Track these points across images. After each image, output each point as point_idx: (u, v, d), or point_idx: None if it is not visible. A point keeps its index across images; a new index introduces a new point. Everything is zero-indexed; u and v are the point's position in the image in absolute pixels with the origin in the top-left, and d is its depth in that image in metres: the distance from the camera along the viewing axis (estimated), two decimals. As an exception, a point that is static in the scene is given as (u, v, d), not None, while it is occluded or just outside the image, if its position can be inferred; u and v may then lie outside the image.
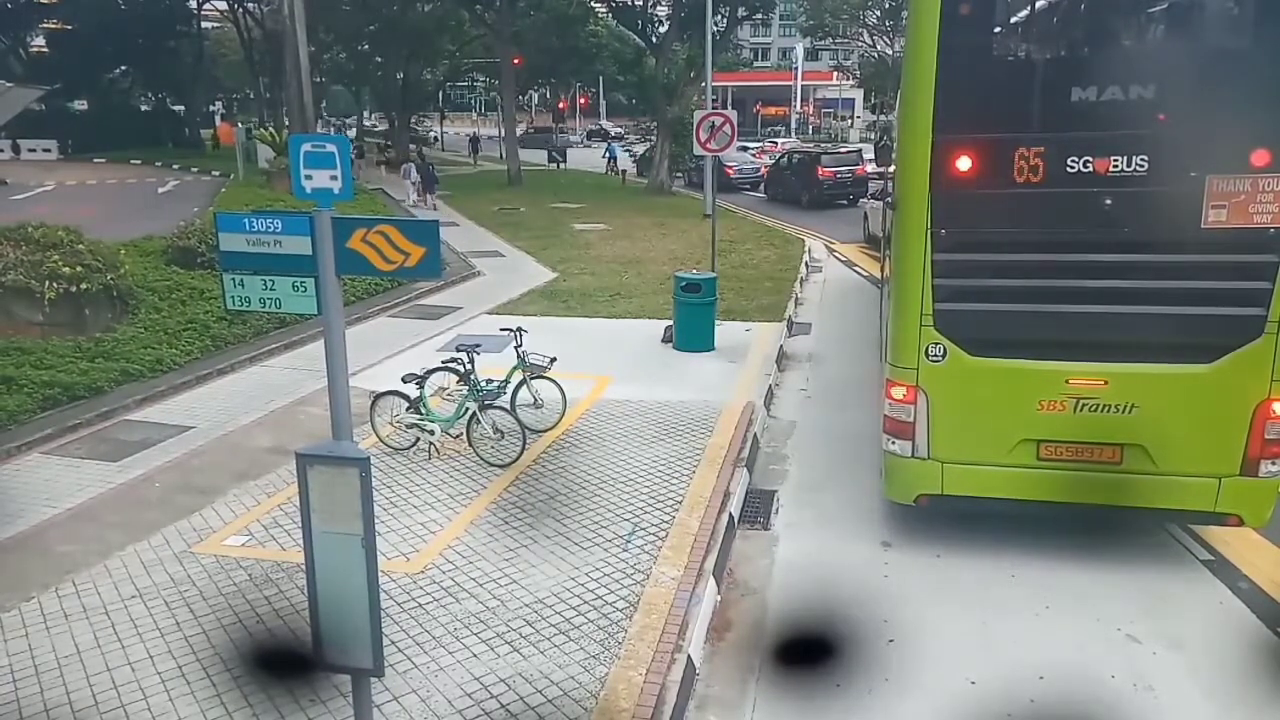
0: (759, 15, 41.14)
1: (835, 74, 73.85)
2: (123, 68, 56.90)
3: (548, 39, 45.03)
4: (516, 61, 50.32)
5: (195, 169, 38.39)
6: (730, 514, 7.40)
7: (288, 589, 6.19)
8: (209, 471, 8.34)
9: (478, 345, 9.17)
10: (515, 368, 9.18)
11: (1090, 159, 5.89)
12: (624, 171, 39.63)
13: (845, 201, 28.97)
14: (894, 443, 6.78)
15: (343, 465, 3.43)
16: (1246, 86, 5.69)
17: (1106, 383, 6.20)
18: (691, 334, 12.37)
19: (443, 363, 9.16)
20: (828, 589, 6.49)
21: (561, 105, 67.93)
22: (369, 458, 3.59)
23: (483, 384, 8.73)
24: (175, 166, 40.17)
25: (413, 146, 45.86)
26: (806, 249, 21.11)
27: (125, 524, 7.21)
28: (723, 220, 26.66)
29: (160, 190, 30.13)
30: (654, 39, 34.93)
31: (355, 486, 3.39)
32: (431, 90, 58.64)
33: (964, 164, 6.11)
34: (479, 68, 58.29)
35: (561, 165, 46.54)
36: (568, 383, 10.10)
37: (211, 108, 77.09)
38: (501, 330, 9.56)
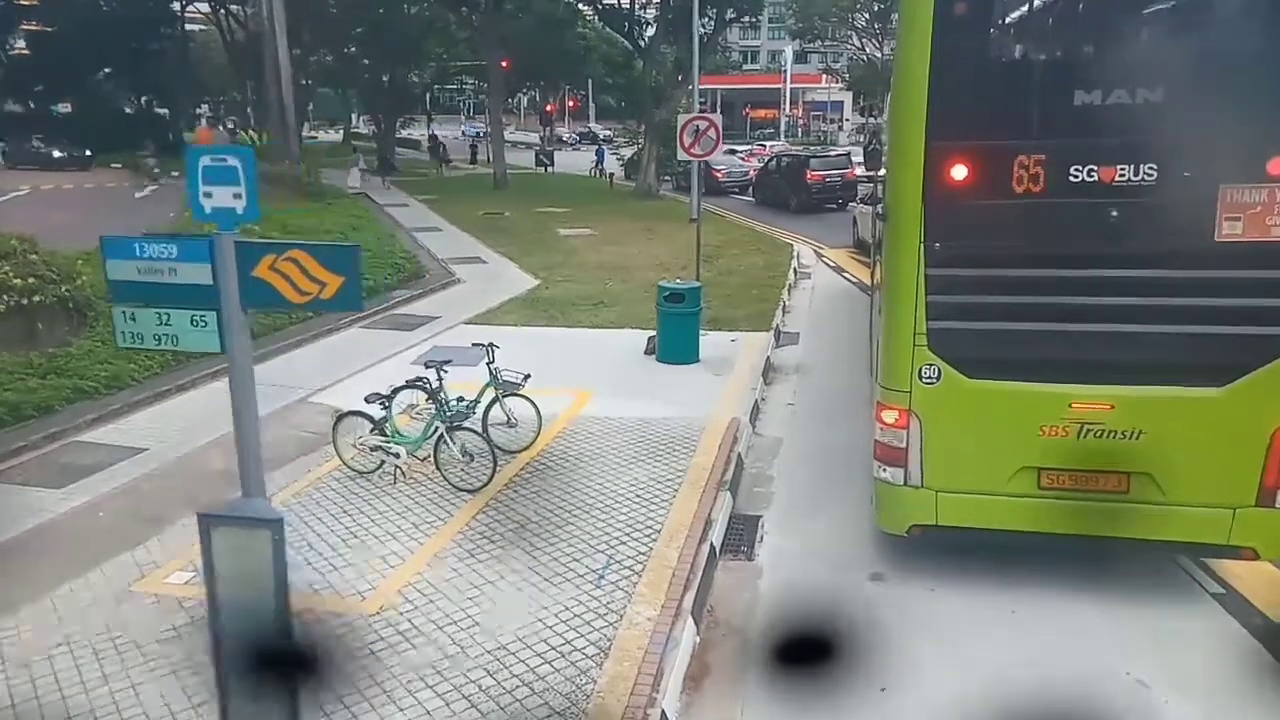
0: (747, 18, 40.77)
1: (824, 77, 73.56)
2: (106, 70, 56.14)
3: (535, 41, 44.50)
4: (505, 64, 49.89)
5: (176, 173, 37.64)
6: (712, 544, 6.95)
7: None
8: (160, 498, 7.84)
9: (447, 361, 8.70)
10: (487, 385, 8.71)
11: (1095, 167, 5.47)
12: (611, 175, 39.18)
13: (834, 205, 28.56)
14: (885, 470, 6.35)
15: (253, 527, 2.96)
16: (1263, 89, 5.29)
17: (1112, 407, 5.78)
18: (675, 345, 11.92)
19: (410, 380, 8.69)
20: (814, 628, 6.03)
21: (549, 108, 67.40)
22: (282, 519, 3.12)
23: (452, 403, 8.26)
24: (157, 170, 39.45)
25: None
26: (795, 254, 20.70)
27: (62, 559, 6.71)
28: (710, 225, 26.30)
29: (138, 195, 29.53)
30: (641, 41, 34.50)
31: (267, 551, 2.92)
32: (418, 93, 58.05)
33: (959, 172, 5.69)
34: (467, 70, 57.76)
35: (549, 168, 46.05)
36: (545, 398, 9.64)
37: (198, 111, 76.29)
38: (474, 345, 9.09)
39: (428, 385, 8.47)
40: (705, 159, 13.21)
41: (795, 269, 19.00)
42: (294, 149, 29.14)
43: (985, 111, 5.66)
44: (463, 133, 70.41)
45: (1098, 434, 5.84)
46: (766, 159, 35.81)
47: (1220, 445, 5.72)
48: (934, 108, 5.62)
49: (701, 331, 12.97)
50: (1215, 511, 5.82)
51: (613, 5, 34.44)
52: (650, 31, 34.46)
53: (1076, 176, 5.51)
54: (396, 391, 8.55)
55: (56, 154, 40.08)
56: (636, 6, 35.07)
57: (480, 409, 8.69)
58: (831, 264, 20.12)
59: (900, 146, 5.88)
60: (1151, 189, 5.43)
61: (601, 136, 68.77)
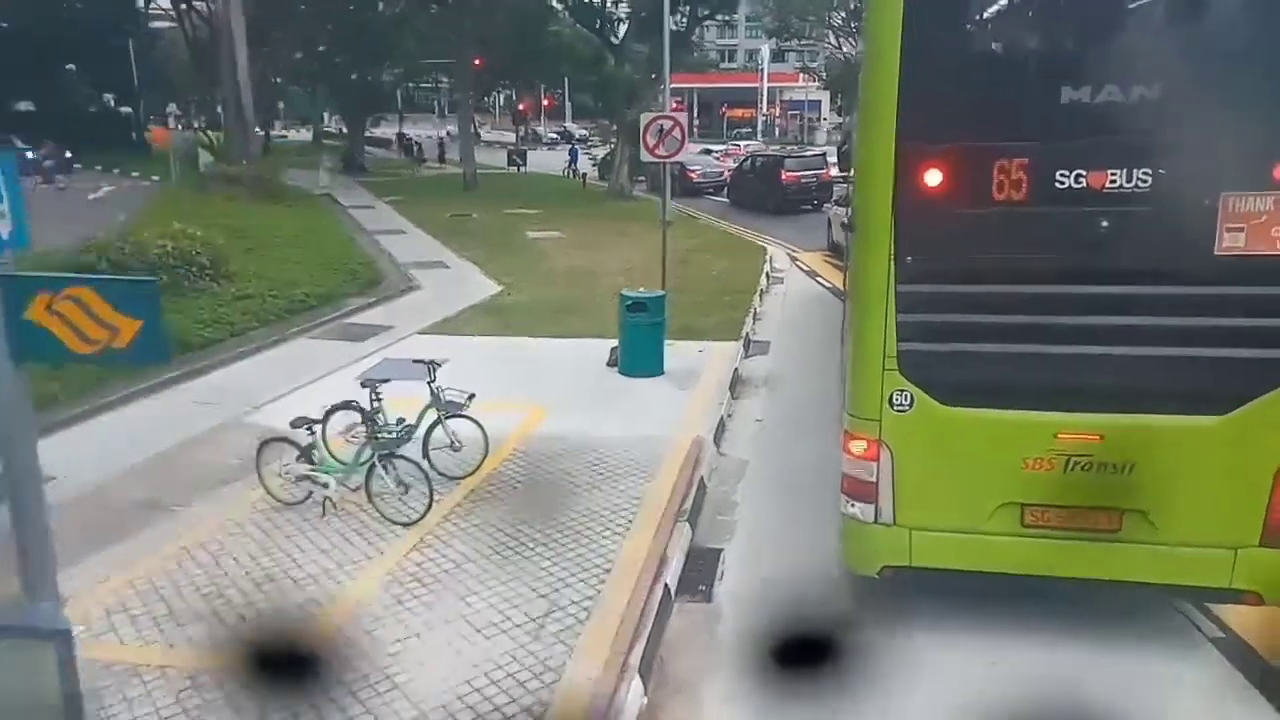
0: (722, 15, 40.20)
1: (801, 76, 73.16)
2: (69, 67, 54.71)
3: (508, 39, 43.70)
4: (478, 63, 48.98)
5: (136, 173, 36.62)
6: (666, 585, 6.34)
7: (115, 705, 5.03)
8: (63, 536, 7.09)
9: (384, 380, 8.03)
10: (428, 406, 8.05)
11: (1083, 172, 4.91)
12: (584, 175, 38.51)
13: (809, 206, 28.07)
14: (853, 505, 5.76)
15: (31, 641, 2.30)
16: (1271, 85, 4.73)
17: (1102, 437, 5.22)
18: (638, 357, 11.30)
19: (344, 401, 8.01)
20: (776, 684, 5.43)
21: (523, 108, 66.53)
22: (70, 629, 2.46)
23: (387, 427, 7.60)
24: (116, 171, 38.39)
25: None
26: (768, 258, 20.15)
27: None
28: (683, 227, 25.68)
29: (91, 196, 28.50)
30: (613, 39, 33.84)
31: (51, 669, 2.27)
32: (388, 91, 57.03)
33: (933, 178, 5.11)
34: (441, 69, 56.81)
35: (522, 168, 45.32)
36: (497, 416, 9.02)
37: (168, 110, 74.79)
38: (415, 361, 8.41)
39: (369, 404, 7.82)
40: (671, 160, 12.59)
41: (768, 273, 18.45)
42: (253, 148, 28.22)
43: (962, 110, 5.08)
44: (448, 133, 69.19)
45: (1086, 467, 5.28)
46: (741, 159, 35.27)
47: (1221, 480, 5.18)
48: (905, 105, 5.04)
49: (667, 341, 12.36)
50: (1215, 552, 5.28)
51: (584, 2, 33.72)
52: (623, 28, 33.77)
53: (1063, 182, 4.94)
54: (330, 414, 7.89)
55: (31, 155, 38.37)
56: (608, 3, 34.40)
57: (420, 432, 8.03)
58: (805, 268, 19.58)
59: (868, 149, 5.30)
60: (1146, 197, 4.87)
61: (577, 136, 68.01)
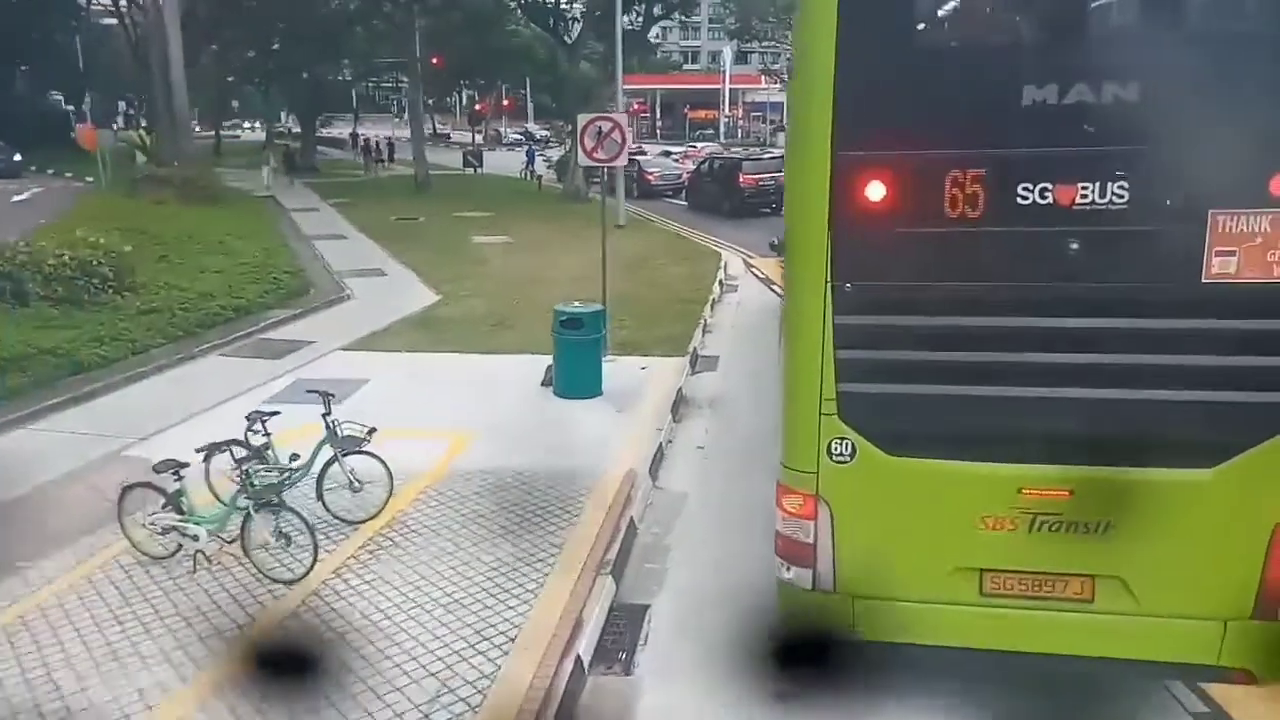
0: (680, 16, 39.50)
1: (764, 78, 72.77)
2: (23, 67, 52.66)
3: (463, 38, 42.72)
4: (436, 62, 47.81)
5: (69, 174, 35.02)
6: (579, 657, 5.51)
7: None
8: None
9: (273, 413, 7.15)
10: (322, 442, 7.16)
11: (1049, 186, 4.17)
12: (539, 177, 37.57)
13: (769, 210, 27.34)
14: (789, 570, 4.98)
15: None
16: (1265, 86, 4.02)
17: (1072, 493, 4.48)
18: (573, 377, 10.47)
19: (226, 440, 7.10)
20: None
21: (479, 108, 65.36)
22: None
23: (272, 467, 6.71)
24: (50, 171, 36.79)
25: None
26: (722, 264, 19.41)
27: None
28: (638, 231, 24.94)
29: (15, 199, 27.03)
30: (566, 38, 32.98)
31: None
32: (342, 90, 55.61)
33: (875, 192, 4.33)
34: (399, 68, 55.53)
35: (478, 170, 44.26)
36: (413, 446, 8.23)
37: (119, 108, 72.50)
38: (309, 391, 7.52)
39: (248, 444, 6.94)
40: (611, 164, 11.77)
41: (721, 281, 17.72)
42: (188, 148, 26.91)
43: (907, 113, 4.30)
44: (393, 134, 67.67)
45: (1054, 527, 4.54)
46: (699, 161, 34.55)
47: (1209, 542, 4.46)
48: (842, 108, 4.27)
49: (609, 358, 11.59)
50: (1202, 625, 4.56)
51: (536, 1, 32.82)
52: (577, 27, 32.92)
53: (1026, 197, 4.19)
54: (210, 453, 6.97)
55: None
56: (562, 2, 33.52)
57: (314, 471, 7.14)
58: (760, 275, 18.84)
59: (799, 159, 4.53)
60: (1122, 214, 4.14)
61: (537, 137, 66.97)
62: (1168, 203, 4.15)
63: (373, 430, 7.22)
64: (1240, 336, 4.22)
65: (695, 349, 12.66)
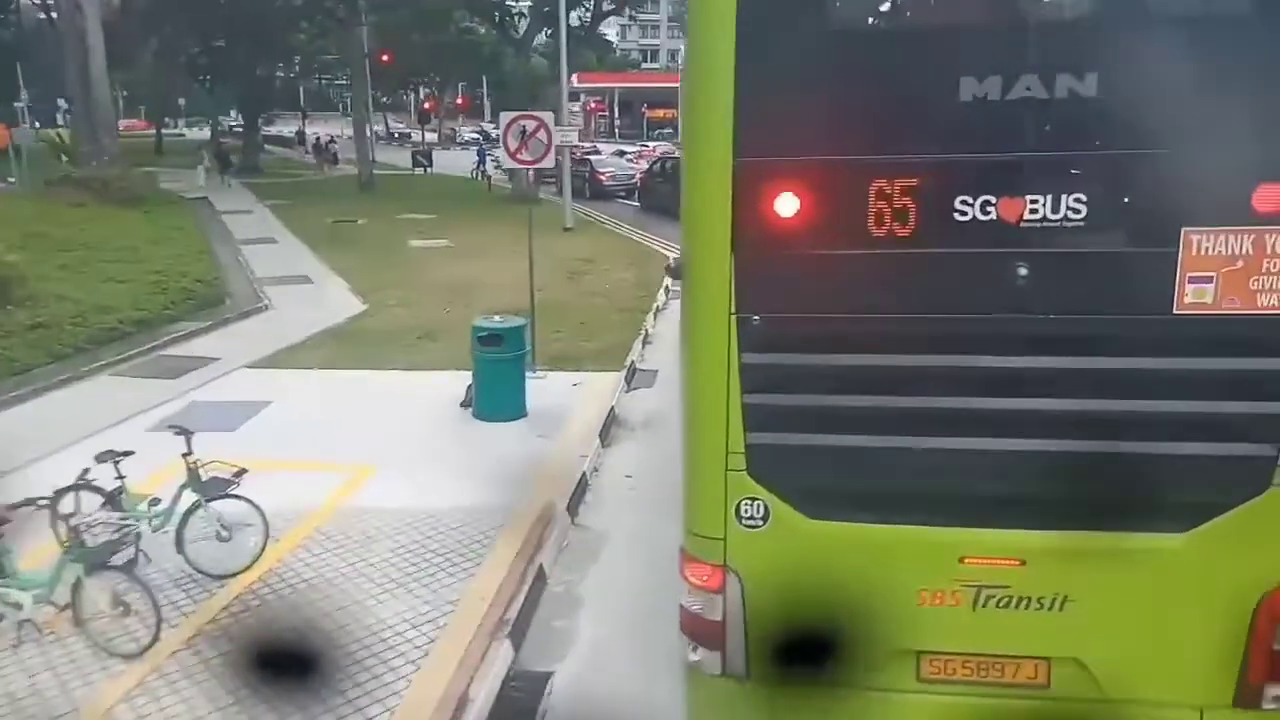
0: (630, 12, 38.74)
1: (722, 76, 72.21)
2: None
3: (411, 35, 41.58)
4: (386, 59, 46.54)
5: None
6: (457, 748, 4.71)
7: None
8: None
9: (126, 453, 6.25)
10: (184, 486, 6.27)
11: (992, 199, 3.44)
12: (489, 177, 36.58)
13: (722, 211, 26.68)
14: (695, 650, 4.21)
15: None
16: (1250, 79, 3.33)
17: (1023, 562, 3.78)
18: (494, 398, 9.65)
19: (78, 481, 6.21)
20: None
21: (428, 106, 64.02)
22: None
23: (128, 514, 5.83)
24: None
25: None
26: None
27: None
28: (584, 233, 24.16)
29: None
30: (513, 33, 32.06)
31: None
32: (285, 87, 54.04)
33: (787, 206, 3.58)
34: (344, 65, 54.06)
35: (427, 169, 43.12)
36: (308, 480, 7.45)
37: (59, 106, 70.00)
38: (170, 427, 6.62)
39: (101, 487, 6.06)
40: (536, 166, 10.98)
41: (667, 288, 16.94)
42: (111, 147, 25.53)
43: (825, 109, 3.56)
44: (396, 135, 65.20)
45: (1002, 602, 3.83)
46: (652, 161, 33.82)
47: (1182, 618, 3.78)
48: (744, 102, 3.51)
49: (538, 374, 10.83)
50: (1174, 714, 3.88)
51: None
52: (524, 23, 32.01)
53: (965, 212, 3.47)
54: (57, 498, 6.07)
55: None
56: (506, -4, 32.62)
57: (175, 520, 6.25)
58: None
59: (695, 167, 3.76)
60: (1078, 233, 3.44)
61: (492, 135, 65.70)
62: (1133, 219, 3.46)
63: (242, 471, 6.35)
64: (1218, 378, 3.53)
65: (633, 363, 11.91)
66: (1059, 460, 3.66)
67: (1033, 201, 3.42)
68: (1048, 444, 3.65)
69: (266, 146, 60.13)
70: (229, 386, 10.71)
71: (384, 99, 76.58)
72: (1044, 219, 3.42)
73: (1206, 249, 3.39)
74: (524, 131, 10.34)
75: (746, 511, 3.90)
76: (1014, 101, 3.36)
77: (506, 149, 10.51)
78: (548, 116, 10.62)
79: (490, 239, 22.23)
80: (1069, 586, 3.78)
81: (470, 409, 9.83)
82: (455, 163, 46.54)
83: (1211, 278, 3.41)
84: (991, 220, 3.45)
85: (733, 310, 3.69)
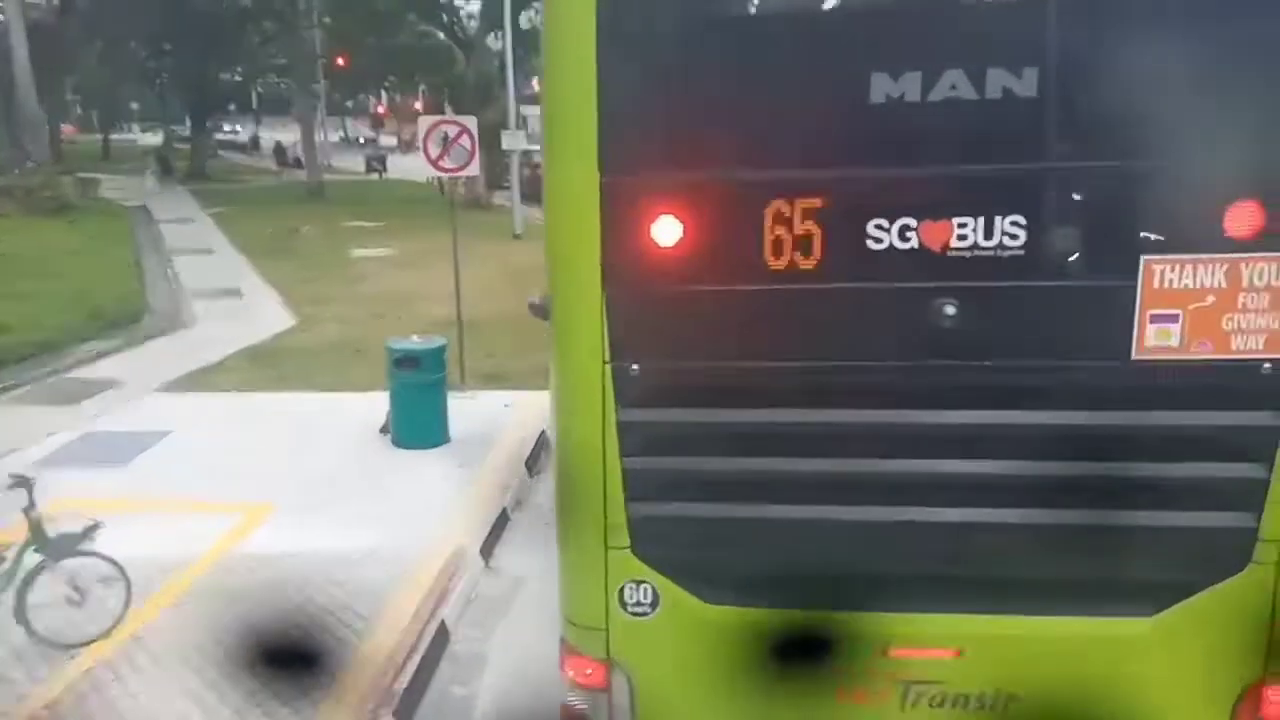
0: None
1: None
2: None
3: (360, 36, 40.52)
4: (343, 63, 45.44)
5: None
6: None
7: None
8: None
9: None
10: (26, 545, 5.50)
11: (912, 222, 2.83)
12: (443, 182, 35.71)
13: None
14: (580, 757, 3.55)
15: None
16: (1219, 75, 2.74)
17: (960, 653, 3.18)
18: (413, 425, 8.92)
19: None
20: None
21: (382, 110, 62.88)
22: None
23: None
24: None
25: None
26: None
27: None
28: (537, 241, 23.34)
29: None
30: (460, 35, 31.26)
31: None
32: (230, 90, 52.67)
33: (666, 232, 2.94)
34: (291, 69, 52.84)
35: (382, 174, 42.15)
36: (189, 525, 6.75)
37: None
38: (11, 476, 5.83)
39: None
40: (459, 174, 10.28)
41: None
42: (38, 153, 24.39)
43: (708, 114, 2.92)
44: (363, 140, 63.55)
45: (936, 700, 3.23)
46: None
47: (1150, 715, 3.17)
48: (610, 107, 2.86)
49: (468, 394, 10.14)
50: (1140, 829, 3.27)
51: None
52: (474, 24, 31.24)
53: (880, 239, 2.85)
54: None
55: None
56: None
57: (15, 584, 5.47)
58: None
59: (557, 186, 3.10)
60: (1017, 263, 2.84)
61: (452, 140, 64.55)
62: (1082, 246, 2.86)
63: (95, 525, 5.59)
64: (1187, 436, 2.94)
65: (571, 381, 11.19)
66: (1000, 533, 3.05)
67: (961, 225, 2.81)
68: (987, 514, 3.04)
69: (220, 151, 58.80)
70: (131, 413, 9.88)
71: (347, 103, 75.18)
72: (975, 246, 2.82)
73: (1171, 281, 2.80)
74: (445, 138, 9.63)
75: (631, 596, 3.26)
76: (937, 104, 2.75)
77: (427, 157, 9.79)
78: (470, 122, 9.90)
79: (437, 247, 21.31)
80: (1014, 682, 3.18)
81: (389, 435, 9.09)
82: (414, 167, 45.46)
83: (1177, 316, 2.83)
84: (912, 248, 2.83)
85: (607, 358, 3.04)
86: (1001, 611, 3.12)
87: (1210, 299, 2.81)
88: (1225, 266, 2.78)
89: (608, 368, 3.06)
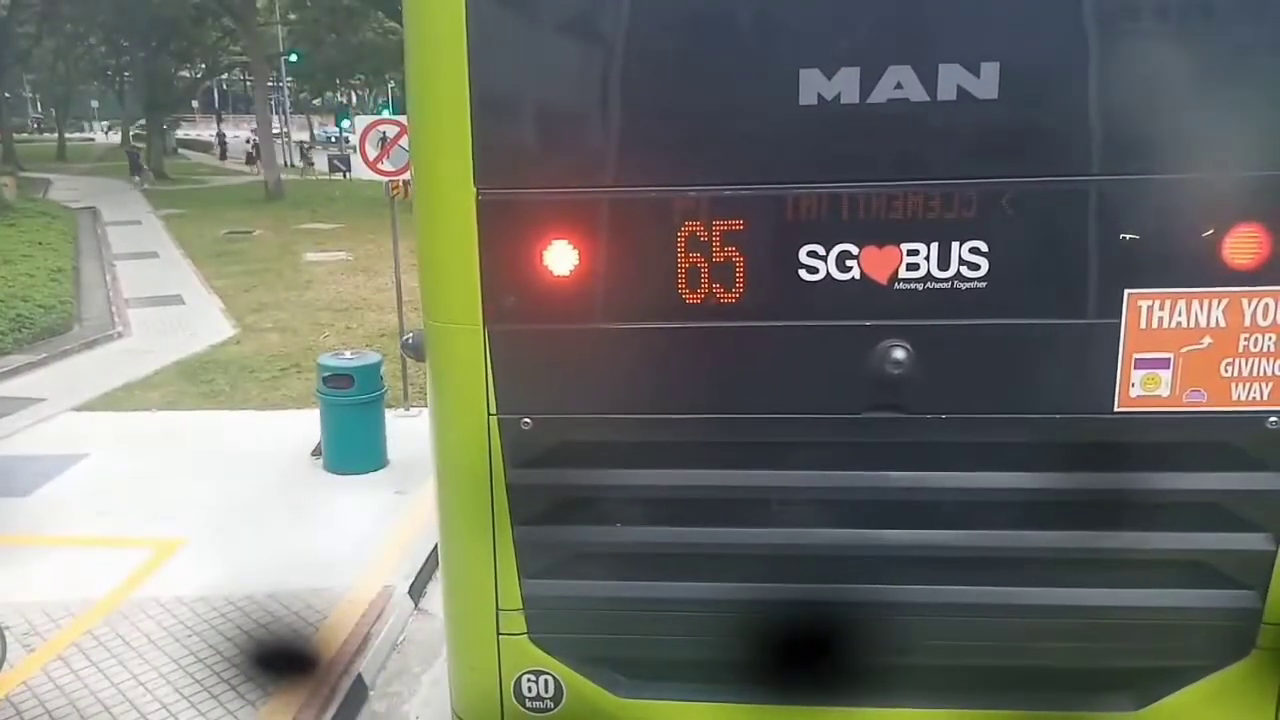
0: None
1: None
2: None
3: (320, 33, 39.78)
4: (294, 59, 44.68)
5: None
6: None
7: None
8: None
9: None
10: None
11: (853, 248, 2.34)
12: (407, 183, 35.01)
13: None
14: None
15: None
16: (1214, 73, 2.27)
17: (917, 753, 2.68)
18: (347, 447, 8.30)
19: None
20: None
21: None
22: None
23: None
24: None
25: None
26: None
27: None
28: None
29: None
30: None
31: None
32: (185, 88, 51.47)
33: (559, 260, 2.44)
34: (248, 66, 51.77)
35: (346, 174, 41.25)
36: (90, 563, 6.23)
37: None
38: None
39: None
40: (398, 176, 9.71)
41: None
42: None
43: (605, 119, 2.41)
44: (336, 139, 62.28)
45: (890, 807, 2.73)
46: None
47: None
48: (483, 110, 2.35)
49: (412, 412, 9.54)
50: None
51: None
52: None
53: (815, 268, 2.37)
54: None
55: None
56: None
57: None
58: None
59: (427, 203, 2.58)
60: (978, 298, 2.35)
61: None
62: (1056, 278, 2.38)
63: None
64: (1179, 501, 2.48)
65: (522, 395, 10.67)
66: (960, 613, 2.57)
67: (911, 252, 2.32)
68: (944, 592, 2.56)
69: (181, 150, 57.48)
70: (45, 435, 9.19)
71: (315, 101, 73.96)
72: (928, 277, 2.34)
73: (1160, 320, 2.34)
74: (384, 138, 9.06)
75: (530, 689, 2.75)
76: (880, 106, 2.26)
77: (364, 158, 9.21)
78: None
79: (391, 251, 20.82)
80: (978, 785, 2.69)
81: (321, 459, 8.50)
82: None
83: (1167, 361, 2.36)
84: (853, 279, 2.35)
85: (492, 410, 2.53)
86: (960, 706, 2.66)
87: (1206, 341, 2.35)
88: (1224, 302, 2.32)
89: (494, 420, 2.55)
